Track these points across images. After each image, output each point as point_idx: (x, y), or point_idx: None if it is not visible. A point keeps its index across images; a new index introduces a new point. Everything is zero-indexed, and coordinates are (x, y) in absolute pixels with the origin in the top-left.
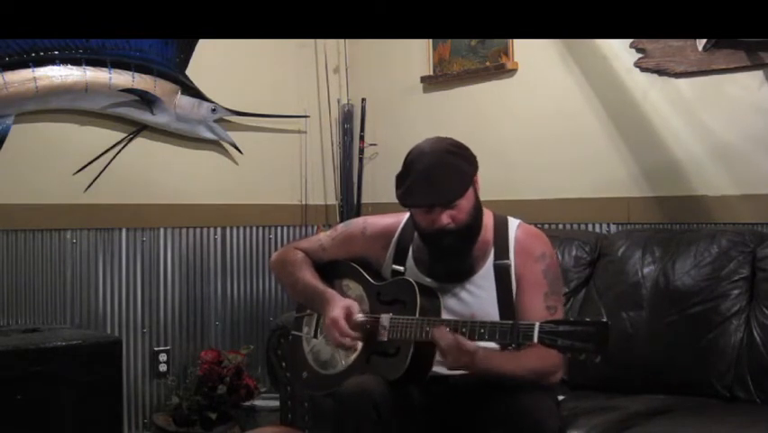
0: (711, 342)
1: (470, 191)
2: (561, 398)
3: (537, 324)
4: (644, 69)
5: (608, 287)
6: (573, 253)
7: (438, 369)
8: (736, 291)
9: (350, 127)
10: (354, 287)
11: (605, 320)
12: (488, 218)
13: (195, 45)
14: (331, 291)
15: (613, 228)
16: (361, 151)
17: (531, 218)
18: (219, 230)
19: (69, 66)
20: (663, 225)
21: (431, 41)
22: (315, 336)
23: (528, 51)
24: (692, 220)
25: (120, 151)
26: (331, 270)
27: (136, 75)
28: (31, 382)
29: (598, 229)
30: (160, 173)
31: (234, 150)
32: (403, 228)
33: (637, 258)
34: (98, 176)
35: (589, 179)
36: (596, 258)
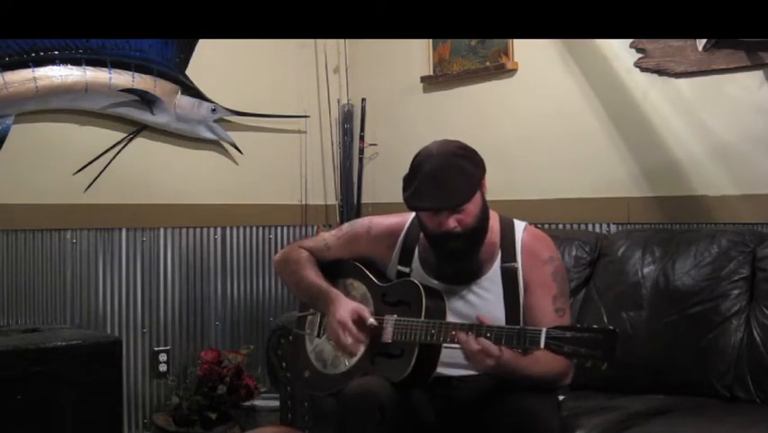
0: (711, 342)
1: (478, 195)
2: (561, 398)
3: (544, 329)
4: (644, 69)
5: (608, 287)
6: (573, 253)
7: (442, 370)
8: (736, 291)
9: (350, 127)
10: (358, 286)
11: (613, 328)
12: (494, 220)
13: (195, 45)
14: (335, 291)
15: (613, 228)
16: (361, 151)
17: (531, 218)
18: (219, 230)
19: (69, 66)
20: (663, 225)
21: (431, 41)
22: (319, 336)
23: (528, 51)
24: (692, 220)
25: (120, 151)
26: (335, 269)
27: (136, 75)
28: (31, 382)
29: (598, 229)
30: (160, 173)
31: (234, 150)
32: (408, 229)
33: (637, 258)
34: (98, 176)
35: (589, 179)
36: (596, 258)
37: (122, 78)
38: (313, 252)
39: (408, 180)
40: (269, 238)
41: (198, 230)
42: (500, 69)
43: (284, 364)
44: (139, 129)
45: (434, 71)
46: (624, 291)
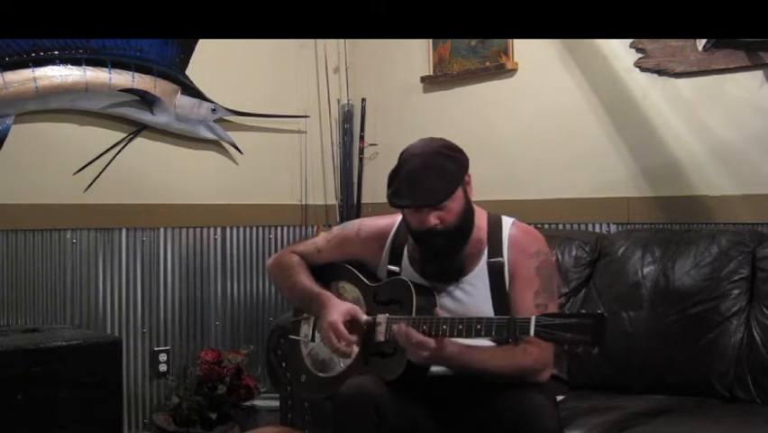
0: (711, 342)
1: (460, 193)
2: (560, 398)
3: (534, 317)
4: (644, 69)
5: (608, 287)
6: (573, 253)
7: (437, 369)
8: (736, 291)
9: (350, 127)
10: (350, 289)
11: (601, 312)
12: (482, 218)
13: (195, 45)
14: (327, 294)
15: (613, 228)
16: (361, 151)
17: (531, 218)
18: (219, 230)
19: (69, 66)
20: (663, 225)
21: (431, 41)
22: (313, 340)
23: (528, 51)
24: (692, 220)
25: (120, 151)
26: (327, 272)
27: (136, 75)
28: (31, 382)
29: (598, 229)
30: (159, 173)
31: (234, 150)
32: (397, 229)
33: (637, 258)
34: (98, 176)
35: (589, 178)
36: (596, 258)
37: (122, 78)
38: (304, 256)
39: (391, 179)
40: (269, 238)
41: (198, 230)
42: (500, 69)
43: (284, 364)
44: (139, 129)
45: (434, 71)
46: (624, 291)
